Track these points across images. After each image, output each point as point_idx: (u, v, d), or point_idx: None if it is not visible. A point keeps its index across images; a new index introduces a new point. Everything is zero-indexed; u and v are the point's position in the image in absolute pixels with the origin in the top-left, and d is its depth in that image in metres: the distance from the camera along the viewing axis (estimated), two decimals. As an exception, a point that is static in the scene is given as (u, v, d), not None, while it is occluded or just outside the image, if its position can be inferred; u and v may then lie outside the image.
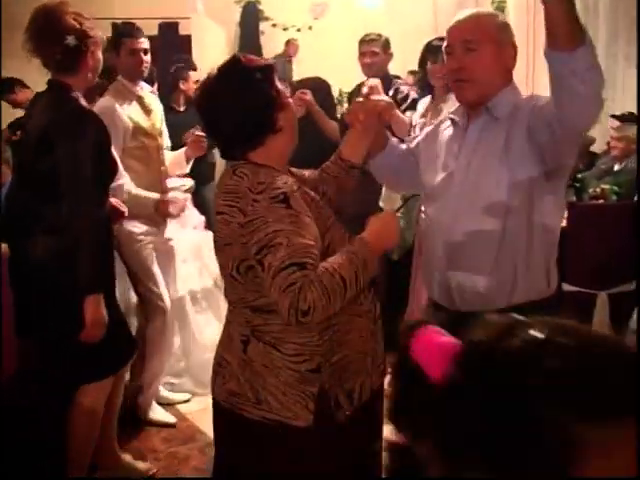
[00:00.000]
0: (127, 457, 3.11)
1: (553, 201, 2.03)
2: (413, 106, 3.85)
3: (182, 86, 5.40)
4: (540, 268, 2.04)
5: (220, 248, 1.85)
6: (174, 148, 3.90)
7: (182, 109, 5.37)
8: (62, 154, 2.50)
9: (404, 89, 4.06)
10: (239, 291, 1.83)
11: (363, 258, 1.74)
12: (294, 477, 1.81)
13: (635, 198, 4.36)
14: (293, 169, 2.04)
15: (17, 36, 2.59)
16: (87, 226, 2.54)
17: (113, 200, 2.91)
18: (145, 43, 3.42)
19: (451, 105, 3.55)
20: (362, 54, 4.29)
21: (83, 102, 2.66)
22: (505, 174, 1.96)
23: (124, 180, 3.20)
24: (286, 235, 1.67)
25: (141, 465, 3.13)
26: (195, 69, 5.64)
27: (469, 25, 2.03)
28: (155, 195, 3.36)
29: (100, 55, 2.71)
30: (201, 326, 4.06)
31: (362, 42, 4.31)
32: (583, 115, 1.81)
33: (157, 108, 3.57)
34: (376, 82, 3.99)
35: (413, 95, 4.10)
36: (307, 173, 2.11)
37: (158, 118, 3.54)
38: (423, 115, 3.71)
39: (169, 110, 5.12)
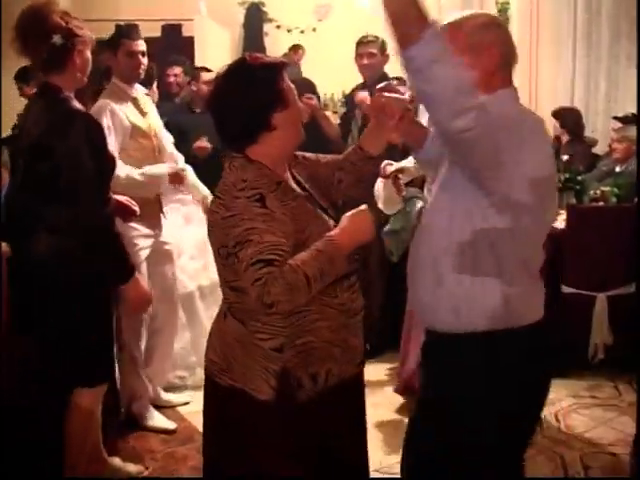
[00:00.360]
0: (116, 460, 3.10)
1: (503, 226, 1.80)
2: None
3: (193, 87, 5.42)
4: (481, 289, 1.84)
5: (208, 231, 1.97)
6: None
7: (198, 110, 5.37)
8: (59, 156, 2.52)
9: (399, 89, 4.06)
10: (221, 270, 1.96)
11: (329, 255, 1.83)
12: (255, 448, 1.92)
13: (635, 200, 4.35)
14: (307, 154, 2.16)
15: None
16: (97, 222, 2.59)
17: (124, 198, 2.94)
18: (143, 45, 3.43)
19: None
20: (359, 55, 4.30)
21: (75, 103, 2.67)
22: (450, 190, 1.88)
23: (127, 169, 3.26)
24: (258, 233, 1.80)
25: (131, 467, 3.13)
26: (195, 69, 5.66)
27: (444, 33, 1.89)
28: (164, 167, 3.43)
29: (89, 55, 2.70)
30: (210, 320, 4.08)
31: (359, 44, 4.33)
32: (439, 117, 1.65)
33: (151, 109, 3.58)
34: (364, 95, 4.02)
35: (409, 94, 4.09)
36: (326, 159, 2.18)
37: (153, 119, 3.55)
38: None
39: (186, 111, 5.13)
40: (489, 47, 1.84)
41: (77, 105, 2.67)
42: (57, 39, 2.56)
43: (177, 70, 5.86)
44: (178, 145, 4.05)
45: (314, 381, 1.92)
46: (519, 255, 1.85)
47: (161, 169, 3.42)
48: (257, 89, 1.91)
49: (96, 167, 2.60)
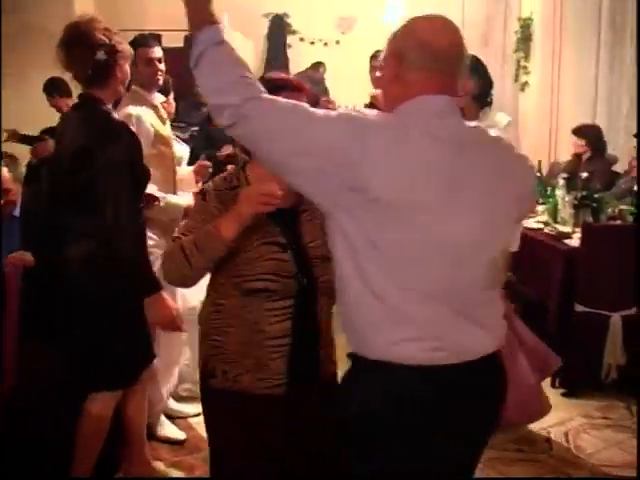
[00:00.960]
0: (158, 463, 3.24)
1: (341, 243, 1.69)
2: None
3: None
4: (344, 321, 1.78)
5: None
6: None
7: None
8: (99, 166, 2.58)
9: None
10: None
11: (206, 231, 1.99)
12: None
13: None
14: None
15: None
16: (133, 232, 2.66)
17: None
18: (159, 52, 3.47)
19: (488, 122, 3.49)
20: (373, 69, 4.34)
21: (115, 115, 2.76)
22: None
23: (152, 190, 3.29)
24: (189, 217, 2.18)
25: (174, 472, 3.26)
26: None
27: None
28: (184, 200, 3.43)
29: (128, 68, 2.81)
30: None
31: (373, 57, 4.38)
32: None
33: (167, 119, 3.62)
34: (378, 92, 4.02)
35: None
36: None
37: (169, 129, 3.60)
38: None
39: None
40: (398, 52, 1.75)
41: (117, 117, 2.76)
42: (101, 55, 2.65)
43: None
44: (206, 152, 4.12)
45: (224, 377, 2.08)
46: (382, 272, 1.66)
47: (181, 201, 3.45)
48: None
49: (134, 176, 2.69)
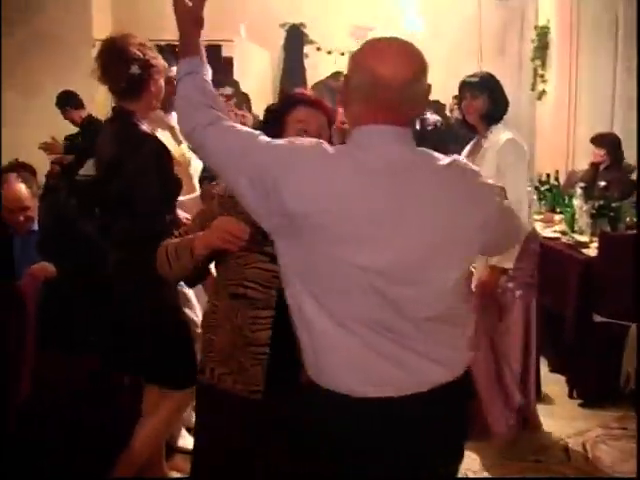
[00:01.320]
0: (174, 473, 3.29)
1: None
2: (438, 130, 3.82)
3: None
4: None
5: None
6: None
7: None
8: (129, 177, 2.66)
9: (429, 118, 4.07)
10: None
11: (186, 242, 2.11)
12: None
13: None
14: None
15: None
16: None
17: (182, 216, 3.06)
18: None
19: (492, 139, 3.43)
20: None
21: (146, 127, 2.82)
22: None
23: None
24: (191, 219, 2.35)
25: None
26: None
27: None
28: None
29: (162, 82, 2.88)
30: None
31: None
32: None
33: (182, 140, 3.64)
34: None
35: (437, 119, 4.09)
36: None
37: (186, 148, 3.60)
38: (468, 155, 3.55)
39: None
40: (348, 76, 1.70)
41: (147, 129, 2.81)
42: (135, 69, 2.74)
43: (229, 90, 6.03)
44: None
45: (212, 374, 2.16)
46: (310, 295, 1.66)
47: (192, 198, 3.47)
48: (265, 119, 2.26)
49: (163, 187, 2.73)
